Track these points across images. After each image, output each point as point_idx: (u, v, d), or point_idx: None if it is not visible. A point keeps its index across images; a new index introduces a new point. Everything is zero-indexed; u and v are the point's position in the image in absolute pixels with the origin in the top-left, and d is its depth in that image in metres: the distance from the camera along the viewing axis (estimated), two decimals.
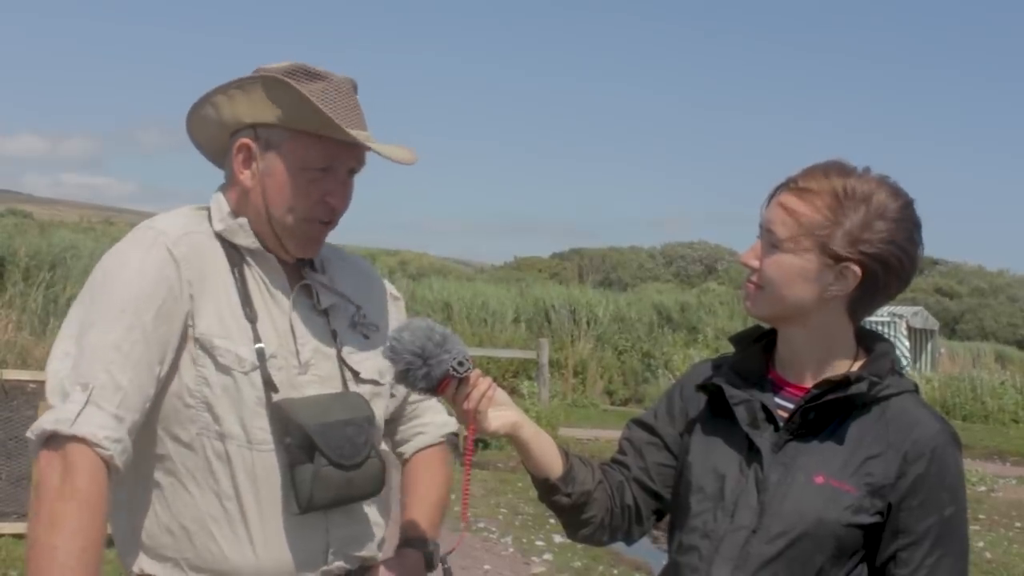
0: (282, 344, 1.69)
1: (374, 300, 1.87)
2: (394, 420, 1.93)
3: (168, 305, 1.60)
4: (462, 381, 1.51)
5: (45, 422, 1.51)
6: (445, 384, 1.51)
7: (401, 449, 1.96)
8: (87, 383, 1.53)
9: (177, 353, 1.62)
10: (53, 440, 1.50)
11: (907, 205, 1.52)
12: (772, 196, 1.56)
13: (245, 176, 1.70)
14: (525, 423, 1.57)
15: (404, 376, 1.52)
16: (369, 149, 1.70)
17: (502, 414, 1.55)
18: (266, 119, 1.67)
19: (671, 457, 1.67)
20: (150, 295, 1.59)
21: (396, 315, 1.92)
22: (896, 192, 1.52)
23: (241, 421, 1.63)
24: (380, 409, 1.80)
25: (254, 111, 1.68)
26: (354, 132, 1.66)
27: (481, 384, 1.52)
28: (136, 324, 1.57)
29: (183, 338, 1.63)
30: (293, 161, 1.67)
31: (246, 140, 1.69)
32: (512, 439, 1.57)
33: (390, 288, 1.96)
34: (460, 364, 1.49)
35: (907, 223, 1.51)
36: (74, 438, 1.49)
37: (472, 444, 1.63)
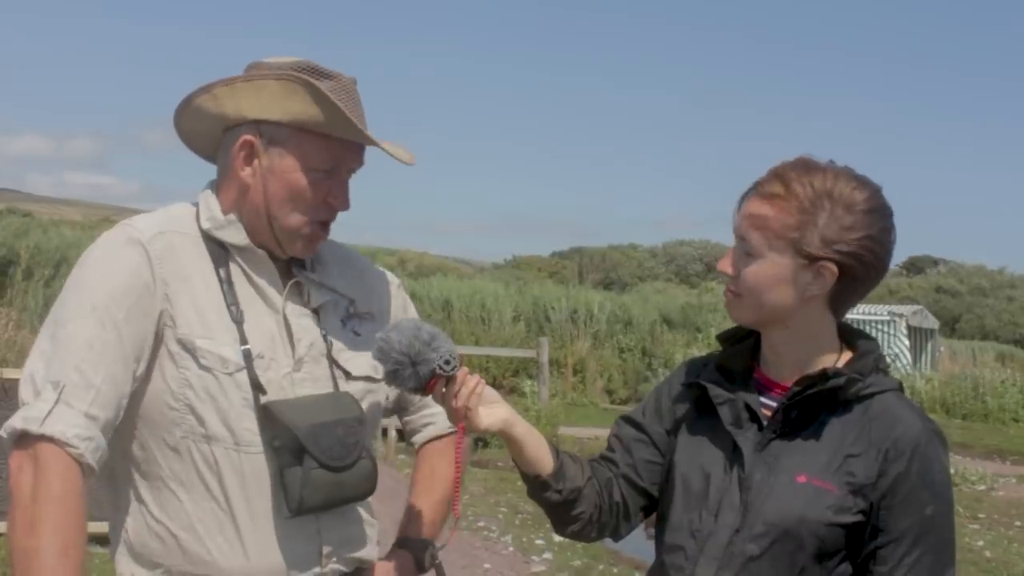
0: (271, 344, 1.67)
1: (369, 289, 1.85)
2: (403, 410, 1.92)
3: (142, 302, 1.59)
4: (450, 379, 1.52)
5: (15, 420, 1.50)
6: (433, 383, 1.52)
7: (413, 439, 1.96)
8: (58, 381, 1.51)
9: (154, 352, 1.61)
10: (24, 439, 1.49)
11: (875, 194, 1.52)
12: (741, 202, 1.56)
13: (246, 173, 1.67)
14: (517, 420, 1.57)
15: (393, 376, 1.52)
16: (380, 148, 1.68)
17: (493, 411, 1.55)
18: (275, 116, 1.64)
19: (658, 454, 1.67)
20: (123, 292, 1.58)
21: (398, 299, 1.90)
22: (863, 183, 1.52)
23: (226, 423, 1.61)
24: (374, 406, 1.79)
25: (261, 107, 1.64)
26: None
27: (469, 382, 1.52)
28: (108, 321, 1.56)
29: (159, 337, 1.61)
30: (298, 161, 1.65)
31: (249, 137, 1.66)
32: (504, 436, 1.58)
33: (389, 276, 1.94)
34: (446, 362, 1.50)
35: (877, 213, 1.51)
36: (43, 437, 1.48)
37: (462, 442, 1.64)
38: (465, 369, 1.53)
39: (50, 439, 1.48)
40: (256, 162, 1.67)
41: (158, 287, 1.61)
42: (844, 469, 1.49)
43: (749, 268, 1.53)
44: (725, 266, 1.57)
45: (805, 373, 1.55)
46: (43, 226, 19.22)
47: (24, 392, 1.54)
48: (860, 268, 1.51)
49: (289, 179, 1.66)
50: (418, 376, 1.50)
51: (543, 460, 1.59)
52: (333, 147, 1.66)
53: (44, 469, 1.47)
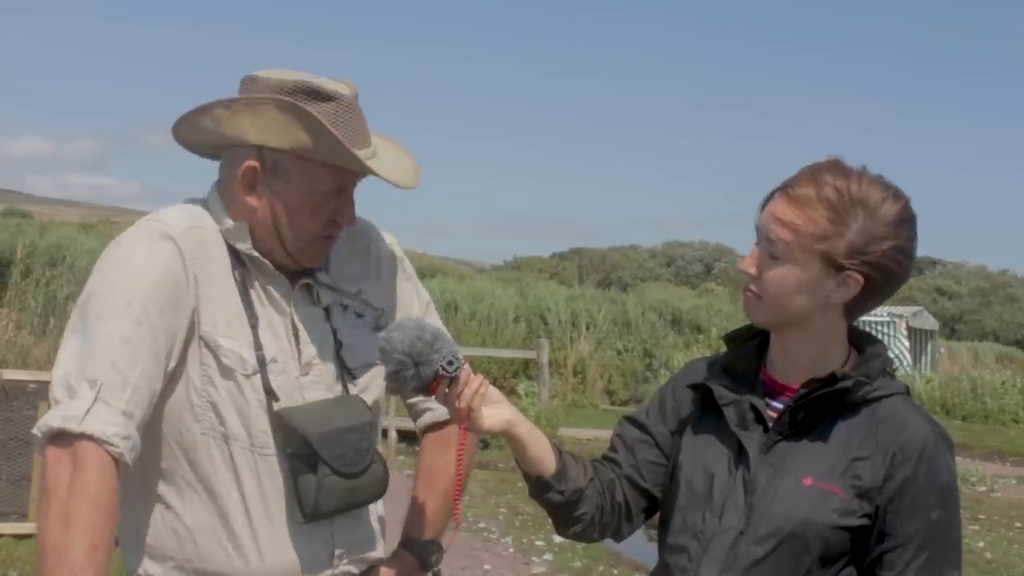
0: (282, 348, 1.68)
1: (375, 274, 1.84)
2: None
3: (175, 298, 1.59)
4: (453, 380, 1.51)
5: (52, 419, 1.49)
6: (436, 384, 1.50)
7: (416, 423, 1.96)
8: (95, 379, 1.50)
9: (184, 348, 1.61)
10: (61, 437, 1.48)
11: (906, 206, 1.51)
12: (767, 201, 1.54)
13: (251, 199, 1.68)
14: (519, 420, 1.56)
15: (395, 377, 1.51)
16: (380, 178, 1.67)
17: (496, 412, 1.54)
18: (276, 144, 1.63)
19: (662, 455, 1.67)
20: (157, 288, 1.58)
21: (403, 279, 1.90)
22: (896, 194, 1.50)
23: (245, 423, 1.62)
24: (379, 393, 1.79)
25: (263, 133, 1.64)
26: (364, 152, 1.65)
27: (472, 382, 1.51)
28: (143, 318, 1.55)
29: (190, 333, 1.62)
30: (303, 187, 1.65)
31: (252, 163, 1.66)
32: (507, 437, 1.57)
33: (393, 248, 1.91)
34: (449, 363, 1.49)
35: (907, 226, 1.50)
36: (83, 436, 1.47)
37: (465, 443, 1.63)
38: (468, 369, 1.51)
39: (90, 437, 1.47)
40: (260, 187, 1.67)
41: (190, 283, 1.61)
42: (850, 472, 1.48)
43: (773, 272, 1.51)
44: (748, 266, 1.54)
45: (813, 375, 1.54)
46: (42, 227, 19.21)
47: (58, 391, 1.52)
48: (883, 279, 1.50)
49: (294, 204, 1.66)
50: (420, 377, 1.49)
51: (545, 461, 1.59)
52: (337, 172, 1.66)
53: (82, 467, 1.46)
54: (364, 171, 1.66)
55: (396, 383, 1.52)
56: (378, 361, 1.55)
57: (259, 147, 1.65)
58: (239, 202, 1.69)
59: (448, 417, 1.88)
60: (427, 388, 1.51)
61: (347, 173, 1.68)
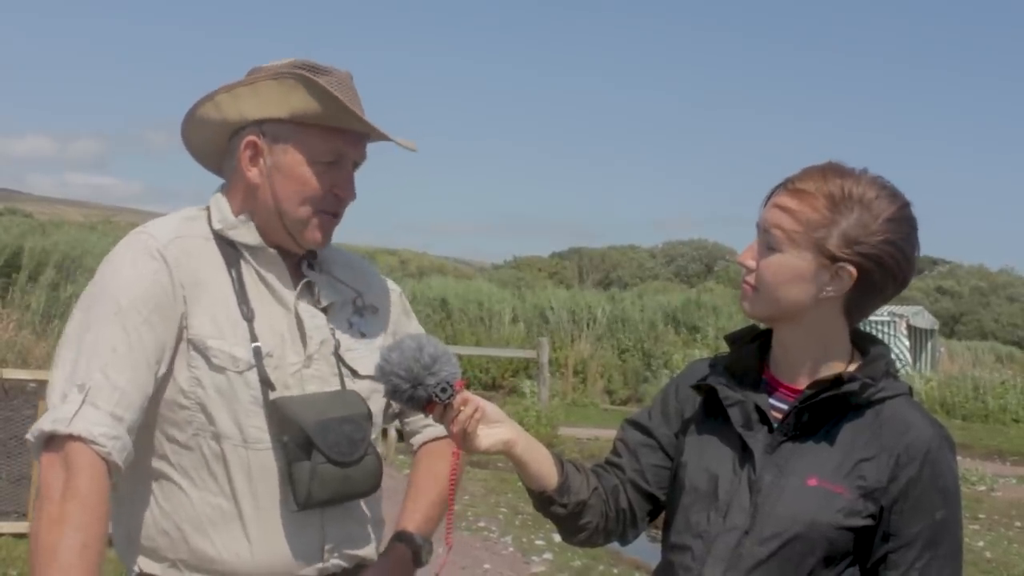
0: (280, 342, 1.70)
1: (371, 286, 1.90)
2: (403, 412, 1.94)
3: (162, 307, 1.63)
4: (447, 405, 1.50)
5: (43, 423, 1.53)
6: (432, 406, 1.50)
7: (412, 440, 1.99)
8: (84, 384, 1.55)
9: (174, 354, 1.65)
10: (52, 441, 1.52)
11: (904, 206, 1.52)
12: (769, 197, 1.56)
13: (253, 173, 1.72)
14: (518, 440, 1.55)
15: (391, 395, 1.51)
16: (383, 136, 1.73)
17: (493, 432, 1.53)
18: (275, 114, 1.68)
19: (666, 458, 1.67)
20: (144, 297, 1.62)
21: (399, 305, 1.94)
22: (893, 194, 1.52)
23: (236, 420, 1.65)
24: (378, 405, 1.81)
25: (263, 107, 1.69)
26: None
27: (468, 407, 1.49)
28: (130, 326, 1.60)
29: (179, 339, 1.65)
30: (302, 155, 1.69)
31: (252, 137, 1.71)
32: (505, 456, 1.56)
33: (390, 284, 1.97)
34: (443, 391, 1.47)
35: (904, 224, 1.51)
36: (71, 437, 1.51)
37: (457, 465, 1.62)
38: (463, 395, 1.49)
39: (78, 438, 1.51)
40: (261, 161, 1.71)
41: (176, 291, 1.65)
42: (855, 473, 1.49)
43: (768, 261, 1.53)
44: (746, 258, 1.56)
45: (817, 376, 1.54)
46: (44, 227, 19.20)
47: (51, 397, 1.57)
48: (879, 274, 1.50)
49: (294, 173, 1.70)
50: (415, 399, 1.48)
51: (547, 475, 1.58)
52: (334, 139, 1.70)
53: (73, 468, 1.50)
54: (363, 127, 1.71)
55: (393, 399, 1.52)
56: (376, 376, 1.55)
57: (260, 122, 1.70)
58: (243, 187, 1.73)
59: (442, 433, 1.89)
60: (423, 409, 1.50)
61: (345, 144, 1.72)
